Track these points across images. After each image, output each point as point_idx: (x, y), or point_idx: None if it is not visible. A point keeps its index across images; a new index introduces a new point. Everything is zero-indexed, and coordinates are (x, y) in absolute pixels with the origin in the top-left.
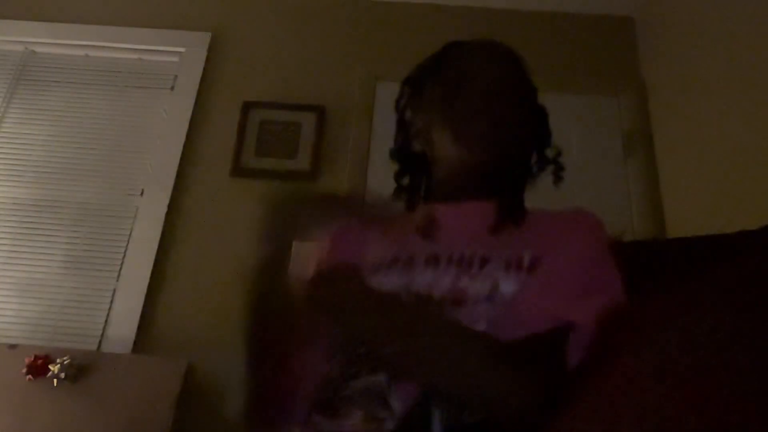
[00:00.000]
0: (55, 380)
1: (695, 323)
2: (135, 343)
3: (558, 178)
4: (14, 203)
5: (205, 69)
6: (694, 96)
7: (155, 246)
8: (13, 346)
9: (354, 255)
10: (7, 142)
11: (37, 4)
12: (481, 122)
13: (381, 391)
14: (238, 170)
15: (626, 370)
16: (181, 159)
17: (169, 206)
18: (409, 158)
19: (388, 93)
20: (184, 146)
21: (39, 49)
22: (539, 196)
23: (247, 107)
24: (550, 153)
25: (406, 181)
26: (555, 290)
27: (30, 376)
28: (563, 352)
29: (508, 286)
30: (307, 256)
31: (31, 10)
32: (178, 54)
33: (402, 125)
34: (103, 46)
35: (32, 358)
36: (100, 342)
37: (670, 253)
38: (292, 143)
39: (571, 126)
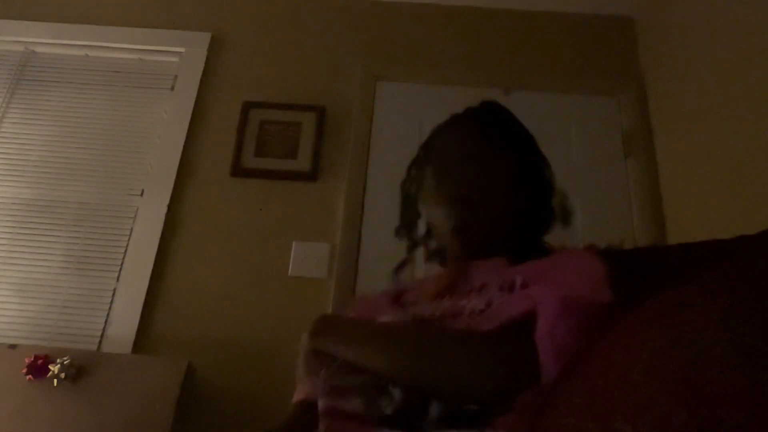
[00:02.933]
0: (55, 380)
1: (686, 322)
2: (135, 343)
3: (566, 223)
4: (14, 203)
5: (205, 69)
6: (694, 96)
7: (155, 246)
8: (13, 346)
9: (370, 313)
10: (7, 142)
11: (37, 4)
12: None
13: (381, 381)
14: (238, 170)
15: (618, 367)
16: (181, 159)
17: (169, 206)
18: (413, 226)
19: (388, 93)
20: (184, 146)
21: (39, 49)
22: None
23: (247, 107)
24: (555, 201)
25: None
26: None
27: (30, 376)
28: (531, 340)
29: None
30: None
31: (31, 10)
32: (178, 54)
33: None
34: (103, 46)
35: (32, 358)
36: (100, 342)
37: (668, 259)
38: (292, 143)
39: (571, 126)
